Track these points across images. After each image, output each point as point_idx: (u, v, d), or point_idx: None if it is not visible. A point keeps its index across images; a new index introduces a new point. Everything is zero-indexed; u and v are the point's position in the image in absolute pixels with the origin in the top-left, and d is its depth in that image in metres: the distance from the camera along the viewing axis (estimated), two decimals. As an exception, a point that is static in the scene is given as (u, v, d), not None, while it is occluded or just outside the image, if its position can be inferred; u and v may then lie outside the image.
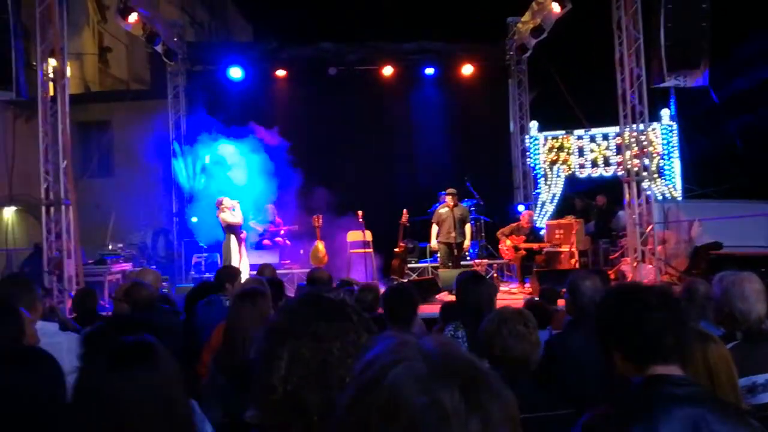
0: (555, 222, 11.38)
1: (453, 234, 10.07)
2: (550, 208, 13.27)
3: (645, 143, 9.96)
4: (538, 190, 13.49)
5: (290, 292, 8.34)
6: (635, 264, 9.49)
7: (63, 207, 8.73)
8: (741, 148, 12.27)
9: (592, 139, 13.05)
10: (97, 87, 18.63)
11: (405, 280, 10.34)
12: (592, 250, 11.62)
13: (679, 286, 5.46)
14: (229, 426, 2.62)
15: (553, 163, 13.32)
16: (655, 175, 11.77)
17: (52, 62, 8.82)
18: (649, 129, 10.41)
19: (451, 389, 0.74)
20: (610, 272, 9.06)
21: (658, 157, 12.32)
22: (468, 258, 11.45)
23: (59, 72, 8.83)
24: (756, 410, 2.38)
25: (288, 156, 11.83)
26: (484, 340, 2.54)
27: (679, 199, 12.25)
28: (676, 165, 12.52)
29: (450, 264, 10.14)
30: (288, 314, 1.23)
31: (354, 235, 11.21)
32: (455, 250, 10.22)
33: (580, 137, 13.16)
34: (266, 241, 11.49)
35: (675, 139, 12.54)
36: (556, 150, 13.32)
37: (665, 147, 12.50)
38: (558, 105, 13.08)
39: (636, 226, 9.57)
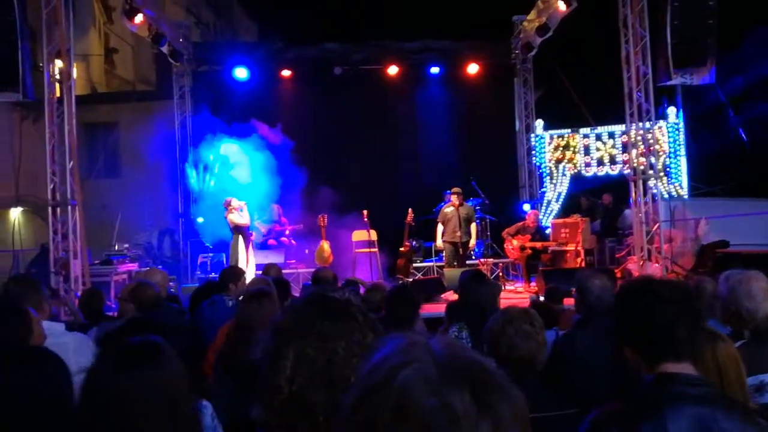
0: (561, 221, 11.35)
1: (458, 233, 10.06)
2: (555, 207, 13.23)
3: (651, 141, 9.92)
4: (543, 189, 13.46)
5: (295, 291, 8.34)
6: (641, 262, 9.46)
7: (69, 208, 8.77)
8: (748, 144, 12.18)
9: (598, 137, 13.01)
10: (104, 88, 18.71)
11: (410, 280, 10.34)
12: (598, 248, 11.59)
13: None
14: (235, 426, 2.62)
15: (558, 161, 13.29)
16: (662, 174, 11.72)
17: (59, 63, 8.84)
18: (656, 127, 10.36)
19: (462, 391, 0.73)
20: (616, 271, 9.04)
21: (665, 156, 12.27)
22: (473, 257, 11.43)
23: (66, 73, 8.86)
24: (764, 409, 2.36)
25: (293, 155, 11.85)
26: (490, 339, 2.54)
27: (686, 197, 12.20)
28: (683, 163, 12.47)
29: (455, 263, 10.13)
30: (293, 314, 1.22)
31: (359, 235, 11.22)
32: (460, 250, 10.20)
33: (586, 136, 13.12)
34: (271, 241, 11.52)
35: (681, 137, 12.49)
36: (561, 148, 13.28)
37: (671, 145, 12.45)
38: (564, 103, 13.04)
39: (642, 225, 9.54)
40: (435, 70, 13.52)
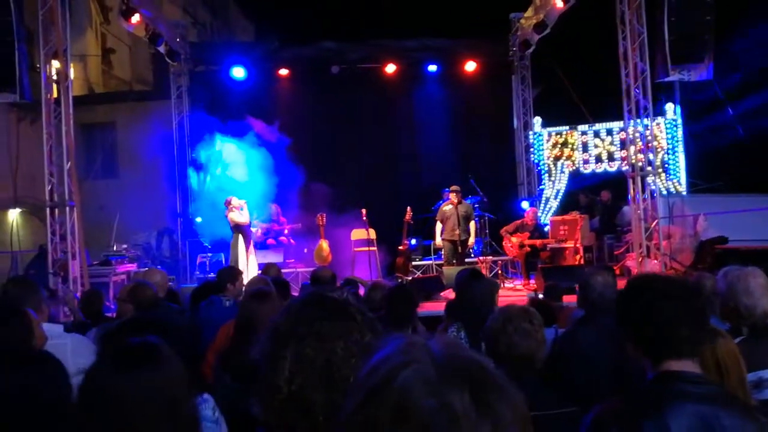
0: (559, 218, 11.36)
1: (457, 231, 10.06)
2: (554, 204, 13.24)
3: (649, 138, 9.92)
4: (542, 187, 13.46)
5: (294, 291, 8.34)
6: (640, 259, 9.47)
7: (67, 208, 8.75)
8: (743, 136, 12.18)
9: (596, 134, 13.01)
10: (101, 88, 18.69)
11: (409, 278, 10.34)
12: (597, 245, 11.61)
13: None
14: (236, 425, 2.62)
15: (557, 158, 13.29)
16: (660, 170, 11.73)
17: (56, 64, 8.83)
18: (654, 124, 10.36)
19: (461, 392, 0.73)
20: (615, 267, 9.04)
21: (663, 152, 12.28)
22: (472, 255, 11.44)
23: (62, 74, 8.84)
24: (763, 405, 2.36)
25: (291, 154, 11.84)
26: (490, 337, 2.54)
27: (684, 193, 12.21)
28: (681, 159, 12.47)
29: (454, 261, 10.13)
30: (291, 314, 1.22)
31: (358, 233, 11.21)
32: (459, 248, 10.20)
33: (584, 133, 13.12)
34: (270, 241, 11.51)
35: (679, 134, 12.50)
36: (560, 146, 13.28)
37: (670, 141, 12.45)
38: (562, 100, 13.05)
39: (641, 221, 9.55)
40: (433, 68, 13.51)
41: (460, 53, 13.56)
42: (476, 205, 11.75)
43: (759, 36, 11.76)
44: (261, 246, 11.26)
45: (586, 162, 13.07)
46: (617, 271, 8.99)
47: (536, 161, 13.54)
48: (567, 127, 13.25)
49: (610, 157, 12.86)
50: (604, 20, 10.21)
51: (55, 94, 8.86)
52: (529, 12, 12.43)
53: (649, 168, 9.80)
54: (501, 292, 7.10)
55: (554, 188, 13.33)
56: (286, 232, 11.66)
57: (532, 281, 10.01)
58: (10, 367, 1.70)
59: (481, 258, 11.43)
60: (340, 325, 1.18)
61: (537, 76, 13.95)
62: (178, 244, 12.86)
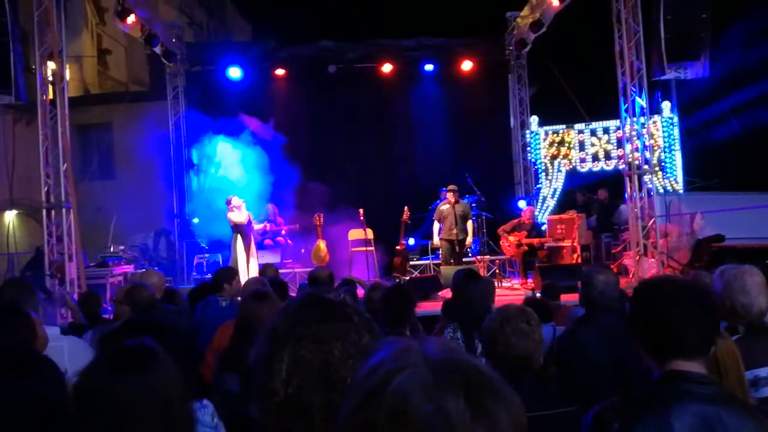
0: (557, 217, 11.37)
1: (455, 231, 10.06)
2: (551, 203, 13.25)
3: (646, 136, 9.93)
4: (539, 185, 13.47)
5: (292, 291, 8.33)
6: (638, 258, 9.48)
7: (64, 210, 8.73)
8: (739, 133, 12.19)
9: (593, 133, 13.02)
10: (97, 89, 18.62)
11: (407, 278, 10.34)
12: (594, 244, 11.62)
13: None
14: (237, 426, 2.62)
15: (554, 157, 13.30)
16: (657, 168, 11.75)
17: (51, 65, 8.80)
18: (650, 122, 10.38)
19: (456, 396, 0.73)
20: (612, 266, 9.05)
21: (659, 150, 12.29)
22: (470, 255, 11.44)
23: (58, 75, 8.82)
24: (760, 404, 2.37)
25: (288, 154, 11.84)
26: (487, 338, 2.54)
27: (681, 191, 12.23)
28: (678, 157, 12.49)
29: (452, 261, 10.13)
30: (288, 316, 1.22)
31: (355, 233, 11.21)
32: (457, 247, 10.20)
33: (580, 131, 13.13)
34: (268, 241, 11.49)
35: (676, 132, 12.51)
36: (556, 144, 13.29)
37: (666, 140, 12.47)
38: (558, 99, 13.05)
39: (638, 220, 9.55)
40: (429, 67, 13.50)
41: (456, 52, 13.56)
42: (473, 205, 11.76)
43: (753, 27, 11.74)
44: (258, 246, 11.23)
45: (582, 161, 13.08)
46: (614, 270, 8.99)
47: (533, 160, 13.55)
48: (564, 126, 13.26)
49: (607, 156, 12.88)
50: (600, 19, 10.21)
51: (50, 96, 8.84)
52: (525, 11, 12.44)
53: (646, 166, 9.81)
54: (499, 292, 7.10)
55: (551, 187, 13.34)
56: (283, 232, 11.64)
57: (529, 280, 10.02)
58: (12, 370, 1.70)
59: (478, 257, 11.43)
60: (337, 327, 1.18)
61: (533, 75, 13.96)
62: (175, 245, 12.84)
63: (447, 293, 8.48)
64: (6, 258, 13.03)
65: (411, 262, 11.43)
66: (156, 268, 10.79)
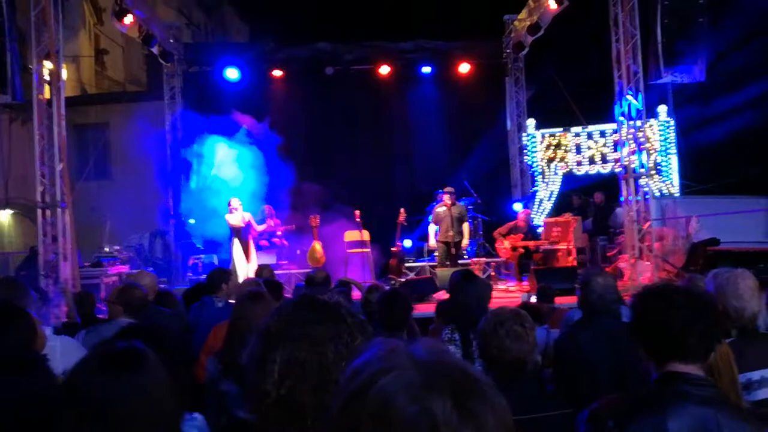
0: (553, 219, 11.38)
1: (451, 233, 10.06)
2: (547, 206, 13.26)
3: (642, 140, 9.95)
4: (535, 188, 13.49)
5: (288, 293, 8.32)
6: (633, 261, 9.49)
7: (59, 210, 8.70)
8: (734, 135, 12.16)
9: (590, 136, 13.04)
10: (94, 89, 18.60)
11: (402, 279, 10.34)
12: (590, 247, 11.62)
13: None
14: (233, 427, 2.61)
15: (550, 160, 13.32)
16: (653, 172, 11.77)
17: (48, 65, 8.78)
18: (647, 125, 10.40)
19: (443, 398, 0.72)
20: (607, 269, 9.06)
21: (656, 154, 12.31)
22: (466, 257, 11.44)
23: (55, 74, 8.79)
24: (754, 407, 2.37)
25: (285, 155, 11.83)
26: (482, 341, 2.53)
27: (677, 195, 12.25)
28: (674, 161, 12.52)
29: (448, 263, 10.13)
30: (280, 317, 1.21)
31: (351, 235, 11.20)
32: (453, 249, 10.21)
33: (577, 134, 13.15)
34: (263, 242, 11.48)
35: (672, 135, 12.54)
36: (553, 147, 13.31)
37: (662, 143, 12.49)
38: (555, 102, 13.07)
39: (633, 223, 9.57)
40: (427, 69, 13.52)
41: (454, 55, 13.58)
42: (470, 207, 11.77)
43: (750, 32, 11.75)
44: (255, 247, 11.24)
45: (579, 164, 13.10)
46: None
47: (530, 163, 13.56)
48: (560, 129, 13.28)
49: (603, 159, 12.90)
50: (598, 22, 10.24)
51: (47, 95, 8.82)
52: (523, 14, 12.46)
53: (642, 170, 9.84)
54: (493, 293, 7.10)
55: (548, 190, 13.35)
56: (279, 233, 11.63)
57: (525, 282, 10.02)
58: (9, 371, 1.70)
59: (474, 259, 11.44)
60: (330, 328, 1.18)
61: (531, 77, 13.98)
62: (170, 246, 12.82)
63: (442, 295, 8.50)
64: (0, 257, 13.00)
65: (407, 264, 11.43)
66: (151, 268, 10.78)
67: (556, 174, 13.30)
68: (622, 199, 9.95)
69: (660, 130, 12.47)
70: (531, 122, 13.59)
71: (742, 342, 2.53)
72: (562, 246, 10.53)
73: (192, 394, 2.70)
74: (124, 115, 14.59)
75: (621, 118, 9.88)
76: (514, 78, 13.96)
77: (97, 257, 10.46)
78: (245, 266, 9.35)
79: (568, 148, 13.20)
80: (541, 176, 13.43)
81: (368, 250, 10.93)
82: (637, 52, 9.57)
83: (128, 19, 10.46)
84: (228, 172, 11.70)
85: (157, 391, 1.34)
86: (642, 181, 9.83)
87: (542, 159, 13.38)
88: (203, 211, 11.22)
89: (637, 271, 9.31)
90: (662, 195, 11.94)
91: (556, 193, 13.30)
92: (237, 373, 2.86)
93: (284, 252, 11.63)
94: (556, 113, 13.26)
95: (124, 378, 1.31)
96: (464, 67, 13.57)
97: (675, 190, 12.39)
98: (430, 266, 11.24)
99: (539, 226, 11.88)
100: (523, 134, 13.66)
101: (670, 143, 12.52)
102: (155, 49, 11.99)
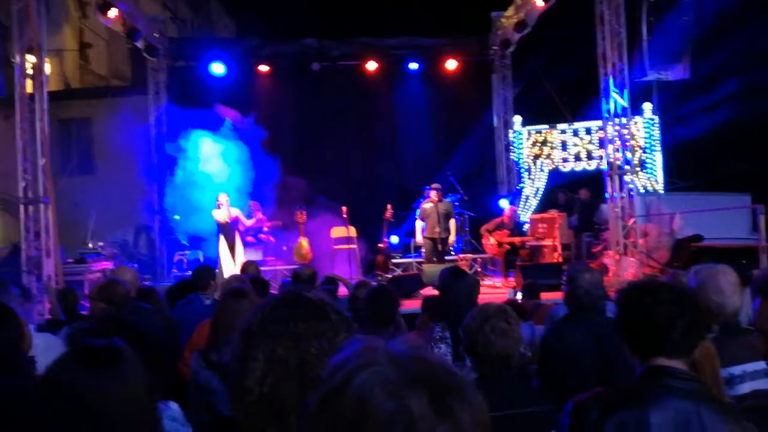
0: (538, 216, 11.44)
1: (437, 229, 10.06)
2: (533, 202, 13.32)
3: (627, 137, 10.02)
4: (521, 185, 13.54)
5: (273, 289, 8.29)
6: (617, 257, 9.56)
7: (42, 205, 8.61)
8: (718, 131, 12.24)
9: (575, 133, 13.12)
10: (78, 84, 18.40)
11: (389, 276, 10.33)
12: (575, 243, 11.70)
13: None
14: (217, 423, 2.60)
15: (536, 157, 13.38)
16: (637, 169, 11.86)
17: (31, 59, 8.67)
18: (632, 122, 10.46)
19: (420, 394, 0.72)
20: (592, 265, 9.10)
21: (640, 151, 12.41)
22: (452, 253, 11.46)
23: (38, 68, 8.69)
24: (736, 401, 2.39)
25: (270, 150, 11.76)
26: (467, 337, 2.54)
27: (661, 192, 12.35)
28: (658, 158, 12.62)
29: (434, 259, 10.14)
30: (263, 314, 1.20)
31: (338, 231, 11.18)
32: (440, 245, 10.21)
33: (563, 131, 13.22)
34: (249, 238, 11.43)
35: (657, 132, 12.64)
36: (539, 144, 13.37)
37: (647, 140, 12.59)
38: (541, 99, 13.14)
39: (618, 220, 9.64)
40: (414, 66, 13.51)
41: (441, 51, 13.59)
42: (456, 203, 11.78)
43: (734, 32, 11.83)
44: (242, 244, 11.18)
45: (565, 160, 13.18)
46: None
47: (516, 159, 13.62)
48: (546, 126, 13.34)
49: (589, 156, 12.98)
50: (584, 20, 10.29)
51: (29, 89, 8.71)
52: (510, 11, 12.48)
53: (627, 167, 9.90)
54: (481, 290, 7.12)
55: (534, 186, 13.42)
56: (265, 229, 11.58)
57: (511, 278, 10.06)
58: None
59: (460, 255, 11.46)
60: (313, 325, 1.17)
61: (517, 75, 14.02)
62: (155, 242, 12.72)
63: (429, 291, 8.50)
64: (-17, 254, 12.83)
65: (393, 260, 11.42)
66: (135, 264, 10.70)
67: (542, 170, 13.36)
68: (607, 195, 10.02)
69: (645, 127, 12.57)
70: (517, 119, 13.64)
71: (724, 337, 2.56)
72: (547, 242, 10.59)
73: (176, 391, 2.68)
74: (109, 109, 14.45)
75: (606, 115, 9.93)
76: (500, 75, 13.98)
77: (81, 253, 10.36)
78: (231, 263, 9.31)
79: (553, 145, 13.27)
80: (527, 173, 13.49)
81: (355, 246, 10.91)
82: (622, 50, 9.62)
83: (112, 12, 10.37)
84: (213, 167, 11.62)
85: (134, 385, 1.32)
86: (627, 178, 9.89)
87: (528, 156, 13.44)
88: (188, 206, 11.14)
89: (622, 267, 9.38)
90: (647, 192, 12.04)
91: (541, 189, 13.37)
92: (220, 370, 2.85)
93: (270, 248, 11.58)
94: (543, 110, 13.33)
95: (100, 374, 1.29)
96: (451, 64, 13.58)
97: (659, 186, 12.50)
98: (417, 262, 11.25)
99: (525, 222, 11.93)
100: (510, 131, 13.71)
101: (654, 140, 12.62)
102: (140, 44, 11.89)
